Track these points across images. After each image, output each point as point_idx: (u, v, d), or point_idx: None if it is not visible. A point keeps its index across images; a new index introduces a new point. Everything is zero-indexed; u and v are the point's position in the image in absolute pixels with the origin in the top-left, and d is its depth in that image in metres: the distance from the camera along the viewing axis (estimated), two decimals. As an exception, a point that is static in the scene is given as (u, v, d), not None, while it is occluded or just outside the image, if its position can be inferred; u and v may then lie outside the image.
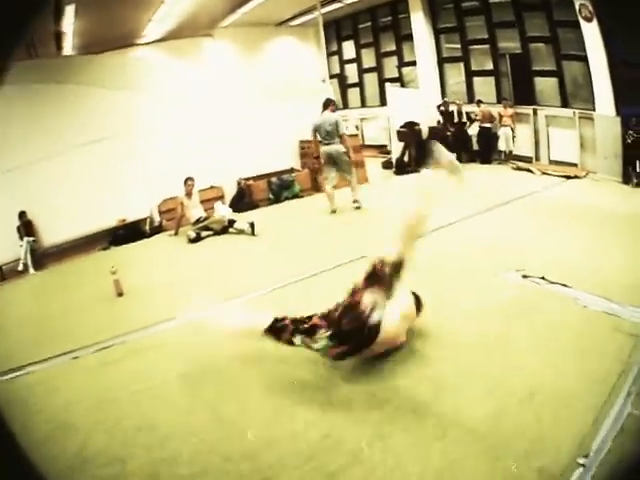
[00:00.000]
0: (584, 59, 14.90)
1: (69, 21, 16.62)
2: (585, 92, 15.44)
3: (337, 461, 4.01)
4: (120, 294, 8.91)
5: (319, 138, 12.66)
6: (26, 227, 12.95)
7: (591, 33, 14.36)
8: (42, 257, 13.17)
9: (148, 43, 22.09)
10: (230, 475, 4.05)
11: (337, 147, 12.52)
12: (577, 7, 14.32)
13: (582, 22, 14.44)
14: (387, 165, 18.59)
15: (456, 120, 17.95)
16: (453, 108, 18.09)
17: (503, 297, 6.51)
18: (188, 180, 12.52)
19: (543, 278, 6.89)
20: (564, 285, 6.65)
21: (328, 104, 12.71)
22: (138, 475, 4.17)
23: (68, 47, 18.99)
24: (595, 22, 14.10)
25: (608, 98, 14.43)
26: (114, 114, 14.14)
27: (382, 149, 20.50)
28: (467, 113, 18.05)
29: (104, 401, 5.38)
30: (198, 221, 12.25)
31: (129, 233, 13.46)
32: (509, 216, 10.84)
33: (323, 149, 12.69)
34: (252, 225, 11.61)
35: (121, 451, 4.50)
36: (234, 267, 9.60)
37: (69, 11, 15.54)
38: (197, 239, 11.73)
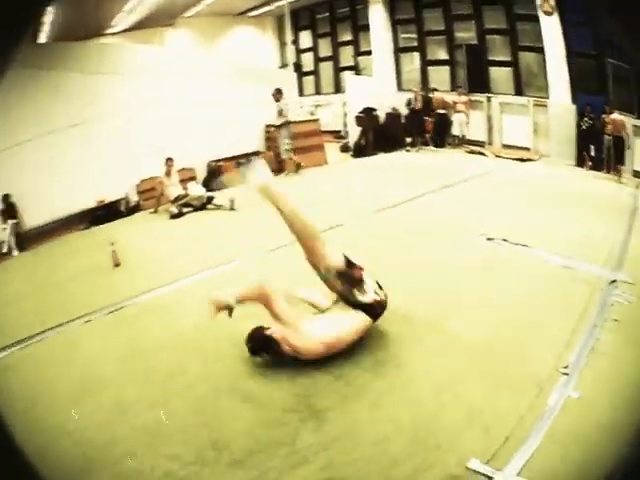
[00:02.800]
0: (540, 50, 15.73)
1: (49, 10, 16.75)
2: (539, 81, 16.23)
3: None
4: (117, 264, 9.14)
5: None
6: (9, 210, 13.00)
7: (550, 26, 15.20)
8: (24, 239, 13.13)
9: (116, 33, 22.38)
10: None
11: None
12: (538, 1, 15.19)
13: (542, 16, 15.27)
14: (344, 149, 19.20)
15: (413, 107, 18.39)
16: (410, 96, 18.51)
17: (475, 255, 7.43)
18: (168, 160, 13.01)
19: (505, 240, 7.83)
20: (524, 245, 7.61)
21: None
22: (182, 411, 4.55)
23: (43, 36, 19.18)
24: (556, 15, 14.96)
25: (564, 87, 15.30)
26: (91, 98, 14.34)
27: (336, 134, 20.92)
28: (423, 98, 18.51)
29: (130, 354, 5.71)
30: (177, 199, 12.59)
31: (108, 213, 13.52)
32: (469, 192, 11.70)
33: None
34: (232, 201, 11.95)
35: (159, 396, 4.83)
36: (220, 237, 9.95)
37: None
38: (179, 215, 12.10)
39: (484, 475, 3.27)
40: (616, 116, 14.06)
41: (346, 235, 8.49)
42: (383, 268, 6.21)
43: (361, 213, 9.91)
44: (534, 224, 8.75)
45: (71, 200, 13.75)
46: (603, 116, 14.46)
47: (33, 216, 13.43)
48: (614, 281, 6.48)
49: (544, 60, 15.70)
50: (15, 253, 12.59)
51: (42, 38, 19.27)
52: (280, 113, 14.88)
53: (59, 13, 17.66)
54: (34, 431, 4.36)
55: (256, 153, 16.32)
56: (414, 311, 5.79)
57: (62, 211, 13.65)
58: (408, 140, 18.40)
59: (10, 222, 12.76)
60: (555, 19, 15.08)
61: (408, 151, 17.81)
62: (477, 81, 18.08)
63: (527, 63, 16.90)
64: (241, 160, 15.25)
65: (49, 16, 17.56)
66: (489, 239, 7.94)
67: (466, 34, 18.56)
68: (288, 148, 14.93)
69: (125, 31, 21.96)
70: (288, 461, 3.72)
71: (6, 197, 12.96)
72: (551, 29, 15.27)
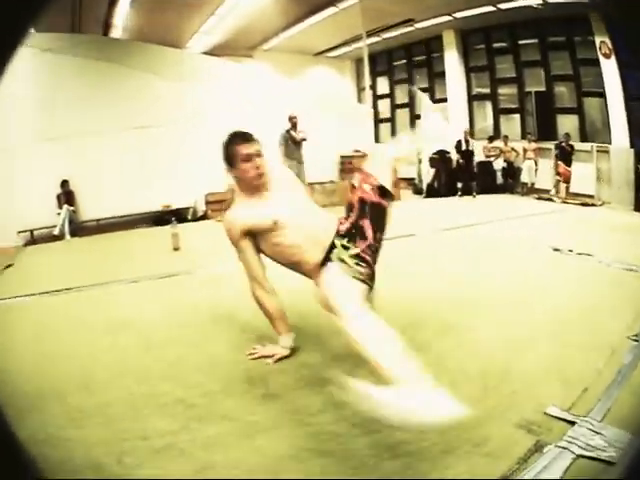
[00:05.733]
0: (602, 95, 15.65)
1: (121, 13, 17.24)
2: (602, 127, 16.20)
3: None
4: (176, 248, 9.32)
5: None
6: (67, 196, 13.14)
7: (609, 69, 15.06)
8: (78, 229, 13.24)
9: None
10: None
11: None
12: (597, 44, 15.00)
13: (601, 59, 15.10)
14: (417, 191, 19.22)
15: (464, 148, 18.11)
16: (460, 138, 18.24)
17: (544, 259, 7.63)
18: None
19: (571, 250, 7.91)
20: (589, 254, 7.62)
21: None
22: (218, 352, 4.54)
23: (116, 33, 19.22)
24: (613, 58, 14.81)
25: (623, 131, 15.06)
26: (166, 103, 14.53)
27: (410, 181, 20.46)
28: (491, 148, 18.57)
29: (173, 305, 5.94)
30: None
31: (172, 217, 12.44)
32: (538, 221, 11.82)
33: None
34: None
35: (193, 336, 4.97)
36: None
37: (124, 3, 16.22)
38: None
39: (565, 421, 3.15)
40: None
41: (419, 244, 9.02)
42: (465, 268, 7.10)
43: (432, 228, 10.34)
44: (600, 243, 8.80)
45: (134, 200, 13.93)
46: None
47: (91, 208, 13.68)
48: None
49: (606, 105, 15.55)
50: (67, 237, 12.72)
51: (115, 35, 19.32)
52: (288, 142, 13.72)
53: (131, 20, 18.08)
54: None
55: (330, 182, 16.43)
56: (487, 291, 5.98)
57: (122, 209, 13.84)
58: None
59: (65, 207, 12.90)
60: (613, 62, 14.93)
61: (474, 197, 17.14)
62: (545, 129, 17.97)
63: (591, 109, 16.78)
64: (316, 186, 15.37)
65: (121, 20, 17.95)
66: (556, 249, 8.08)
67: (535, 81, 18.54)
68: None
69: (202, 54, 21.20)
70: (333, 399, 3.46)
71: (65, 183, 13.14)
72: (610, 72, 15.11)
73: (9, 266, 9.27)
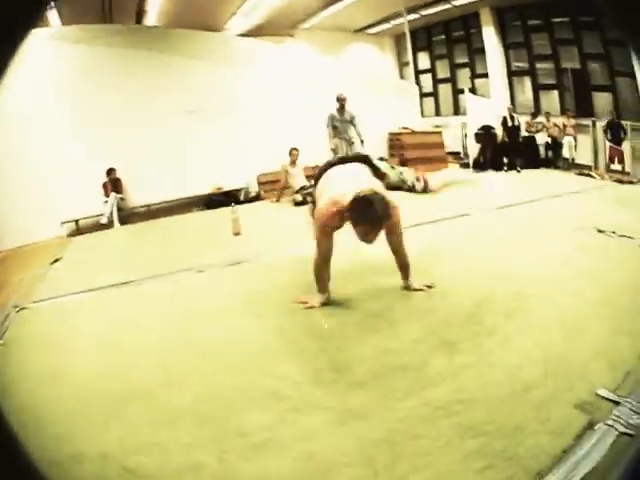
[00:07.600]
0: (632, 76, 15.65)
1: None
2: (634, 105, 16.18)
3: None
4: (237, 233, 9.35)
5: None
6: (114, 184, 13.14)
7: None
8: (127, 216, 13.33)
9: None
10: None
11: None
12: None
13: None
14: (464, 166, 19.14)
15: (509, 124, 17.98)
16: (505, 114, 18.12)
17: (591, 239, 7.84)
18: (293, 150, 12.98)
19: (614, 232, 8.08)
20: (630, 237, 7.76)
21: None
22: (301, 338, 4.80)
23: (150, 20, 19.20)
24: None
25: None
26: (210, 87, 14.58)
27: (456, 155, 20.52)
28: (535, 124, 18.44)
29: (247, 292, 6.17)
30: (302, 188, 12.24)
31: (224, 199, 13.38)
32: (580, 199, 11.80)
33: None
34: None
35: (274, 324, 5.19)
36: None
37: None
38: (303, 203, 11.32)
39: (611, 401, 3.45)
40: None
41: (473, 224, 9.32)
42: (513, 248, 7.48)
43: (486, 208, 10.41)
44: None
45: (185, 184, 14.03)
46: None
47: (142, 195, 13.78)
48: None
49: (637, 85, 15.53)
50: (116, 225, 12.75)
51: (149, 22, 19.29)
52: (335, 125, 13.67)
53: (165, 4, 17.92)
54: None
55: (381, 159, 16.29)
56: (543, 275, 6.14)
57: (174, 194, 13.98)
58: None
59: (113, 195, 12.91)
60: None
61: (519, 171, 17.28)
62: (582, 105, 18.02)
63: (624, 88, 16.77)
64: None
65: (155, 5, 17.85)
66: (600, 231, 8.22)
67: (570, 58, 18.52)
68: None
69: (242, 36, 20.64)
70: (416, 384, 3.83)
71: (111, 171, 13.16)
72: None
73: (57, 260, 9.28)
